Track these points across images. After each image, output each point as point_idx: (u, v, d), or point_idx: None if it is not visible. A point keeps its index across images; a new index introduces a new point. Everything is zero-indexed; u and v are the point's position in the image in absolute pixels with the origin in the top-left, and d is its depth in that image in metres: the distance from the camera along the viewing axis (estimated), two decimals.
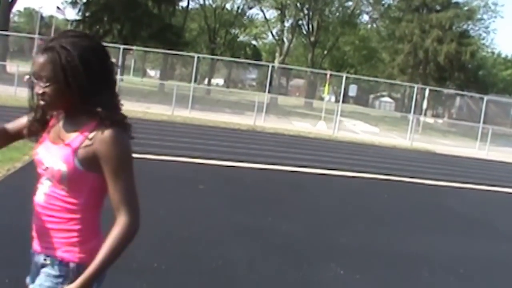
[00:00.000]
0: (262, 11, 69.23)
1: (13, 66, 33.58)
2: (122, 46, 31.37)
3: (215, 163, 13.20)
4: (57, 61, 2.18)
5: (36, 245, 2.41)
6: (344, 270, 6.49)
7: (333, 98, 52.64)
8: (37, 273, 2.41)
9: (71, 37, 2.22)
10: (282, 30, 57.14)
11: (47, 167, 2.30)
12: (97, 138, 2.24)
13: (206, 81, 60.80)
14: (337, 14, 57.13)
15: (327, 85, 33.48)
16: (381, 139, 26.65)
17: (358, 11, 58.09)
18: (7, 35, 36.37)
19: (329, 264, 6.63)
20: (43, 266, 2.36)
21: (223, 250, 6.71)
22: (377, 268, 6.86)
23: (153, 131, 18.25)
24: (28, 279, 2.49)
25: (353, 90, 34.21)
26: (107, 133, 2.25)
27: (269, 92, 31.67)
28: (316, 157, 16.72)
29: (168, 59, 49.05)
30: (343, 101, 31.21)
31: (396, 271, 6.88)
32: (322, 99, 41.58)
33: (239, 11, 62.66)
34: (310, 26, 55.74)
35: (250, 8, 61.22)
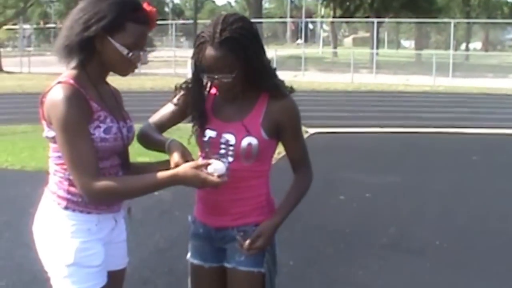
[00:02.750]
0: None
1: (270, 51, 35.17)
2: (375, 20, 31.18)
3: (485, 132, 12.45)
4: (240, 49, 2.28)
5: (219, 222, 2.52)
6: None
7: None
8: (216, 250, 2.55)
9: (236, 21, 2.31)
10: None
11: (230, 145, 2.41)
12: (277, 108, 2.42)
13: (462, 46, 58.16)
14: None
15: None
16: None
17: None
18: (261, 22, 38.11)
19: None
20: (234, 240, 2.47)
21: (510, 226, 6.22)
22: None
23: (416, 103, 17.86)
24: (197, 261, 2.60)
25: None
26: (286, 102, 2.45)
27: None
28: None
29: (421, 28, 47.73)
30: None
31: None
32: None
33: None
34: None
35: None
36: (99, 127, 2.22)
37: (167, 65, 29.63)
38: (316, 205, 6.70)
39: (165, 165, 2.29)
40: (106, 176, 2.24)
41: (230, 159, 2.38)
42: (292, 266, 4.92)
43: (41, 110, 2.24)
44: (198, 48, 2.33)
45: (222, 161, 2.23)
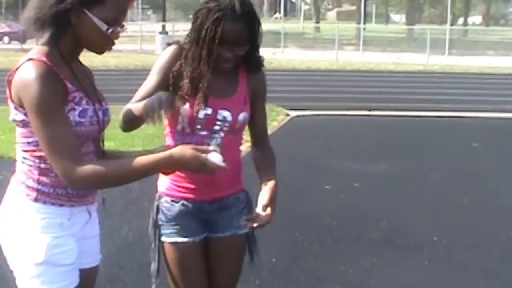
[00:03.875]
0: None
1: None
2: None
3: (485, 116, 12.60)
4: (255, 23, 2.61)
5: (214, 194, 2.78)
6: None
7: None
8: (202, 222, 2.81)
9: None
10: None
11: (227, 121, 2.68)
12: (255, 80, 2.77)
13: (460, 20, 58.53)
14: None
15: None
16: None
17: None
18: None
19: None
20: (228, 208, 2.82)
21: None
22: None
23: (408, 84, 17.95)
24: (186, 238, 2.78)
25: None
26: (261, 73, 2.81)
27: None
28: None
29: (414, 0, 47.96)
30: None
31: None
32: None
33: None
34: None
35: None
36: (74, 109, 2.20)
37: (132, 41, 29.45)
38: (299, 196, 6.74)
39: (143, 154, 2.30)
40: None
41: (222, 134, 2.68)
42: (274, 263, 4.95)
43: (8, 90, 2.20)
44: (216, 22, 2.52)
45: (215, 136, 2.38)
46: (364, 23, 36.21)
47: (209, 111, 2.64)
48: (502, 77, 20.68)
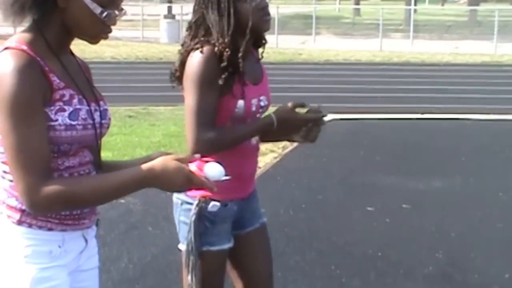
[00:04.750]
0: None
1: (270, 8, 35.13)
2: None
3: None
4: None
5: (251, 188, 3.29)
6: None
7: None
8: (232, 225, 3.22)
9: None
10: None
11: (266, 106, 3.18)
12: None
13: None
14: None
15: None
16: None
17: None
18: None
19: None
20: (252, 200, 3.30)
21: None
22: None
23: (470, 79, 17.89)
24: (227, 244, 3.16)
25: None
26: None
27: None
28: None
29: None
30: None
31: None
32: None
33: None
34: None
35: None
36: (63, 110, 2.20)
37: (133, 26, 29.55)
38: (336, 219, 6.76)
39: (144, 161, 2.29)
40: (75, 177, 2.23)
41: None
42: None
43: None
44: None
45: (218, 162, 2.32)
46: (415, 3, 36.14)
47: (255, 101, 3.08)
48: None
